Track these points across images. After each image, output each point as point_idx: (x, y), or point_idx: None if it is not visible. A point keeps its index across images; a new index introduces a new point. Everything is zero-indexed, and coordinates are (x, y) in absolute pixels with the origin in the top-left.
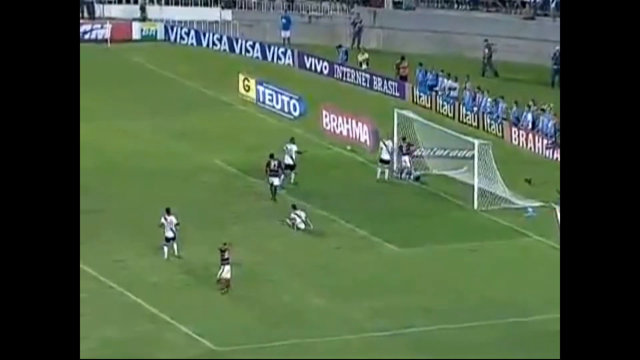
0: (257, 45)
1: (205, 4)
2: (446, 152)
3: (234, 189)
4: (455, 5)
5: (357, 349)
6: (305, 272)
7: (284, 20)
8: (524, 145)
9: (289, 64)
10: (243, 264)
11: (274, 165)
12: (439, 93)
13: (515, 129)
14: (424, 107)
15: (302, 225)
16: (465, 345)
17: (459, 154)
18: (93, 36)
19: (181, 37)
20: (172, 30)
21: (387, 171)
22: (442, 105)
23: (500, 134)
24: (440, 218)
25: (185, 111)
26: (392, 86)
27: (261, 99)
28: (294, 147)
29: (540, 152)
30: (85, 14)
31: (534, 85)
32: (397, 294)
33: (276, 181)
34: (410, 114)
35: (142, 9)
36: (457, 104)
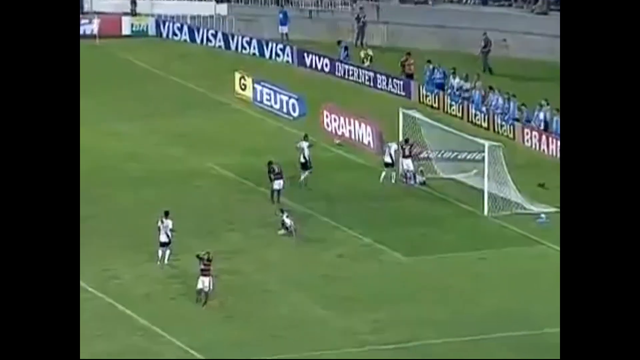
0: (254, 42)
1: None
2: (454, 154)
3: (230, 195)
4: None
5: None
6: (305, 282)
7: (281, 15)
8: (537, 147)
9: (287, 62)
10: (220, 276)
11: (278, 169)
12: (447, 92)
13: (528, 130)
14: (431, 106)
15: (284, 231)
16: None
17: (468, 157)
18: (80, 31)
19: (174, 33)
20: (164, 25)
21: (393, 174)
22: (451, 105)
23: (512, 135)
24: (448, 224)
25: (178, 112)
26: (397, 85)
27: (258, 99)
28: (305, 144)
29: (555, 154)
30: None
31: (548, 82)
32: (402, 305)
33: (276, 185)
34: (417, 114)
35: (133, 3)
36: (466, 103)
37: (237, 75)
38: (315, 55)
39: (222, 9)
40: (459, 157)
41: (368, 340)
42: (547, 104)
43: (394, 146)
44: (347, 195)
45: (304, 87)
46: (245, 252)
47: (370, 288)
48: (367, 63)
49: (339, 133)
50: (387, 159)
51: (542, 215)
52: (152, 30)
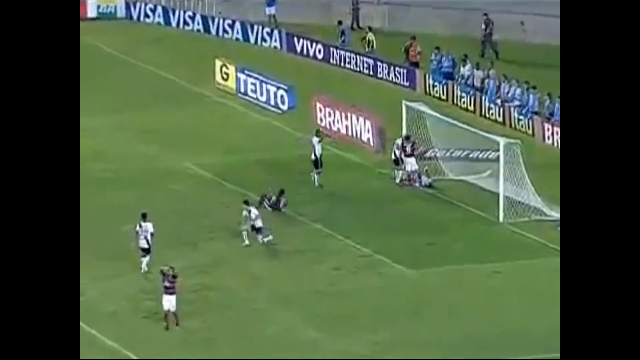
0: (237, 25)
1: None
2: (465, 153)
3: (210, 198)
4: None
5: None
6: (296, 298)
7: None
8: (559, 144)
9: (275, 47)
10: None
11: (272, 202)
12: (457, 82)
13: (549, 125)
14: (439, 98)
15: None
16: None
17: (480, 156)
18: None
19: (146, 15)
20: (135, 6)
21: (400, 173)
22: (461, 97)
23: (531, 131)
24: (458, 232)
25: (151, 105)
26: (400, 74)
27: (242, 90)
28: (316, 140)
29: None
30: None
31: None
32: (405, 324)
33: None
34: (422, 107)
35: None
36: (478, 95)
37: (218, 63)
38: (307, 39)
39: None
40: (471, 156)
41: None
42: None
43: (398, 142)
44: (344, 199)
45: (294, 76)
46: (228, 263)
47: (370, 305)
48: (367, 49)
49: (334, 129)
50: (394, 157)
51: None
52: (121, 12)
